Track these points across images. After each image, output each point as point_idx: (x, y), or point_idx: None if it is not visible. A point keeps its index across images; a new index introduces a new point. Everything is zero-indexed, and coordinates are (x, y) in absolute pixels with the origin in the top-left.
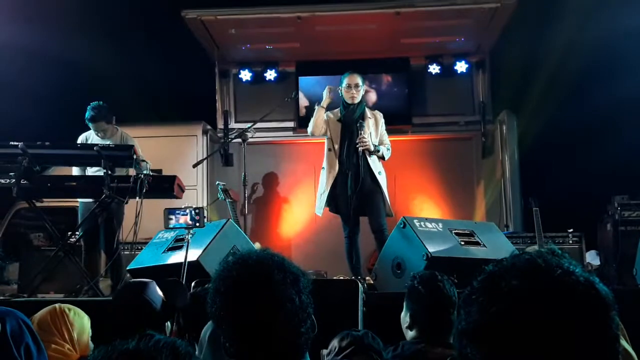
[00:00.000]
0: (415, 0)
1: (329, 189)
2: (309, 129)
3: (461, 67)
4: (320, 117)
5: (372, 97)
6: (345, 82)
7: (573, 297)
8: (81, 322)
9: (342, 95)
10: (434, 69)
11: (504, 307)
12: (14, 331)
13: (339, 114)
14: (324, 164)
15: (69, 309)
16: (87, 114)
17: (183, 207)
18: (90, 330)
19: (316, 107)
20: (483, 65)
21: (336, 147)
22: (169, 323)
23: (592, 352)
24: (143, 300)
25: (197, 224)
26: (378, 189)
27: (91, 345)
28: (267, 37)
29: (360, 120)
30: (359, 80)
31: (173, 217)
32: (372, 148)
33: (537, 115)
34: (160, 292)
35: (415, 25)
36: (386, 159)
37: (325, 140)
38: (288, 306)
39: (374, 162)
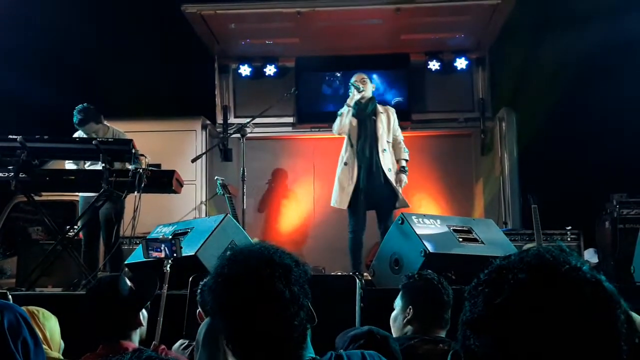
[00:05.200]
0: None
1: (354, 183)
2: (336, 129)
3: (461, 63)
4: (348, 117)
5: None
6: (353, 79)
7: (579, 293)
8: (51, 323)
9: (351, 92)
10: (434, 65)
11: (509, 299)
12: (11, 325)
13: (352, 110)
14: (346, 159)
15: (37, 311)
16: (75, 119)
17: (160, 238)
18: (59, 329)
19: (345, 107)
20: (483, 62)
21: (354, 142)
22: (145, 312)
23: (596, 349)
24: (114, 295)
25: (175, 254)
26: (388, 186)
27: (62, 344)
28: (267, 32)
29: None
30: (364, 75)
31: (151, 249)
32: (405, 181)
33: (536, 112)
34: (129, 283)
35: (415, 22)
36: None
37: (345, 137)
38: (276, 300)
39: (385, 159)
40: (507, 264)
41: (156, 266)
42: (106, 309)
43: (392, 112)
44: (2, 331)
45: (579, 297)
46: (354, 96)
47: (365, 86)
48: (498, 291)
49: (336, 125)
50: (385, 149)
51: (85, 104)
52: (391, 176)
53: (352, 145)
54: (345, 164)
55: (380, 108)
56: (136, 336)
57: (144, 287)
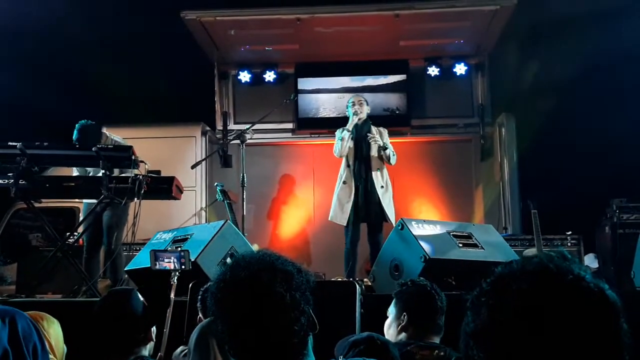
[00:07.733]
0: (415, 2)
1: (352, 200)
2: (337, 153)
3: (460, 69)
4: (349, 142)
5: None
6: (350, 102)
7: (583, 303)
8: (55, 329)
9: (349, 115)
10: (433, 71)
11: (513, 310)
12: (24, 330)
13: (352, 134)
14: (345, 178)
15: (41, 317)
16: (75, 136)
17: (168, 250)
18: (61, 334)
19: (345, 132)
20: (482, 68)
21: (350, 162)
22: (154, 328)
23: (600, 358)
24: (127, 310)
25: (183, 267)
26: (380, 204)
27: (64, 349)
28: (267, 39)
29: (367, 133)
30: (361, 98)
31: (161, 260)
32: (380, 143)
33: (535, 117)
34: (142, 299)
35: (414, 27)
36: (392, 162)
37: (343, 158)
38: (276, 304)
39: (378, 177)
40: (509, 273)
41: (158, 274)
42: (118, 326)
43: (385, 131)
44: (18, 337)
45: (582, 307)
46: (353, 121)
47: (362, 108)
48: (502, 302)
49: (337, 149)
50: (379, 168)
51: (86, 122)
52: (382, 194)
53: (349, 165)
54: (344, 182)
55: (373, 129)
56: (146, 351)
57: (156, 304)
